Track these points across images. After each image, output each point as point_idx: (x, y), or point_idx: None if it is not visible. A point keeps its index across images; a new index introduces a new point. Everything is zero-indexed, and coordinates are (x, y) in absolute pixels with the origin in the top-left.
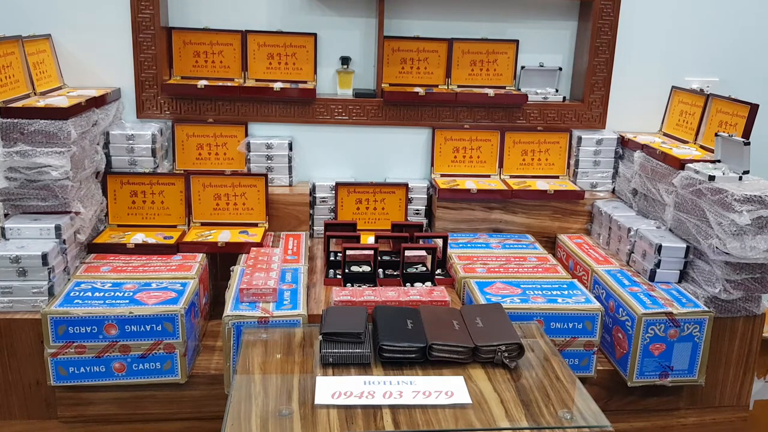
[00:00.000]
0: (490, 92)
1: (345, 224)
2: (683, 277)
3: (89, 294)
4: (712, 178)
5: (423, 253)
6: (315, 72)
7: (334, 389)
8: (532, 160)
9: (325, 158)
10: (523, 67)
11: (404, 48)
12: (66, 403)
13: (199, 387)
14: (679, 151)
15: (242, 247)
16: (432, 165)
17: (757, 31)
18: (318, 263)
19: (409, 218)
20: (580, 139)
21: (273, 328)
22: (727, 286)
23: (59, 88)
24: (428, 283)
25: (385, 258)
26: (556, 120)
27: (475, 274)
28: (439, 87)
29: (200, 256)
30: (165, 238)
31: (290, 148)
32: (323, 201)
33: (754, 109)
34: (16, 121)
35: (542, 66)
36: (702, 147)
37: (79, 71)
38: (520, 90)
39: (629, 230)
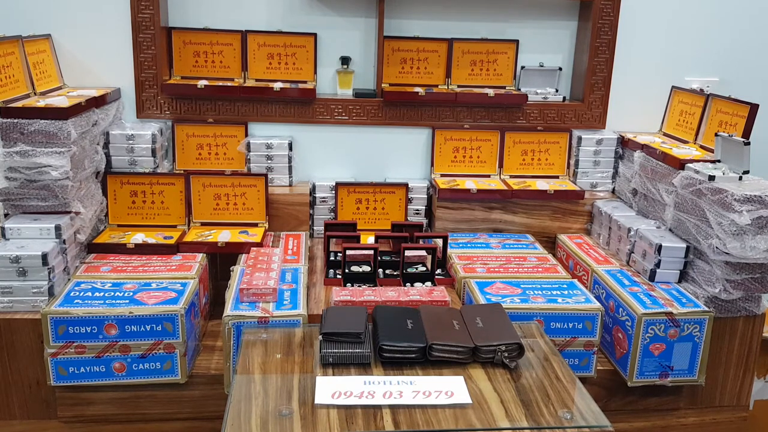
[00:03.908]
0: (490, 92)
1: (345, 224)
2: (683, 277)
3: (89, 294)
4: (712, 178)
5: (423, 253)
6: (315, 72)
7: (334, 389)
8: (532, 160)
9: (325, 158)
10: (523, 67)
11: (404, 48)
12: (66, 403)
13: (199, 387)
14: (679, 151)
15: (242, 247)
16: (432, 165)
17: (757, 31)
18: (318, 263)
19: (409, 218)
20: (580, 139)
21: (273, 328)
22: (727, 286)
23: (59, 88)
24: (428, 283)
25: (385, 258)
26: (556, 120)
27: (475, 274)
28: (439, 87)
29: (200, 256)
30: (165, 238)
31: (290, 148)
32: (323, 201)
33: (754, 109)
34: (16, 121)
35: (542, 66)
36: (702, 147)
37: (79, 71)
38: (520, 90)
39: (629, 230)
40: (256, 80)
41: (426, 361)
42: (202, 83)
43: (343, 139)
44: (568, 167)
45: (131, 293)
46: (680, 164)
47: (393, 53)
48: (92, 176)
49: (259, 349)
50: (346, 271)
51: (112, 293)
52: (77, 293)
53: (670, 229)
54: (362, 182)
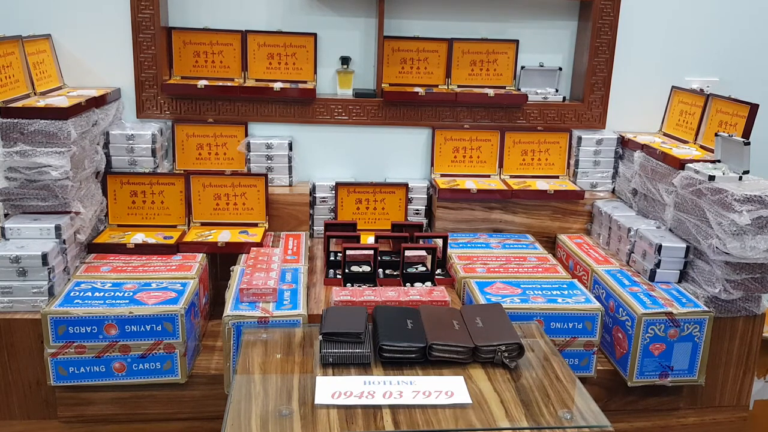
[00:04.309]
0: (490, 92)
1: (345, 224)
2: (683, 277)
3: (89, 294)
4: (712, 178)
5: (423, 253)
6: (315, 72)
7: (334, 389)
8: (532, 160)
9: (325, 158)
10: (523, 67)
11: (404, 48)
12: (66, 403)
13: (199, 387)
14: (679, 151)
15: (242, 247)
16: (432, 165)
17: (757, 31)
18: (318, 263)
19: (409, 218)
20: (580, 139)
21: (273, 328)
22: (727, 286)
23: (59, 88)
24: (428, 283)
25: (385, 258)
26: (556, 120)
27: (475, 274)
28: (439, 87)
29: (200, 256)
30: (165, 238)
31: (290, 148)
32: (323, 201)
33: (754, 109)
34: (16, 121)
35: (542, 66)
36: (702, 147)
37: (79, 71)
38: (520, 90)
39: (629, 230)
40: (256, 80)
41: (426, 361)
42: (202, 83)
43: (343, 139)
44: (568, 167)
45: (131, 293)
46: (680, 164)
47: (393, 53)
48: (92, 176)
49: (259, 349)
50: (346, 271)
51: (112, 293)
52: (77, 293)
53: (670, 229)
54: (362, 182)
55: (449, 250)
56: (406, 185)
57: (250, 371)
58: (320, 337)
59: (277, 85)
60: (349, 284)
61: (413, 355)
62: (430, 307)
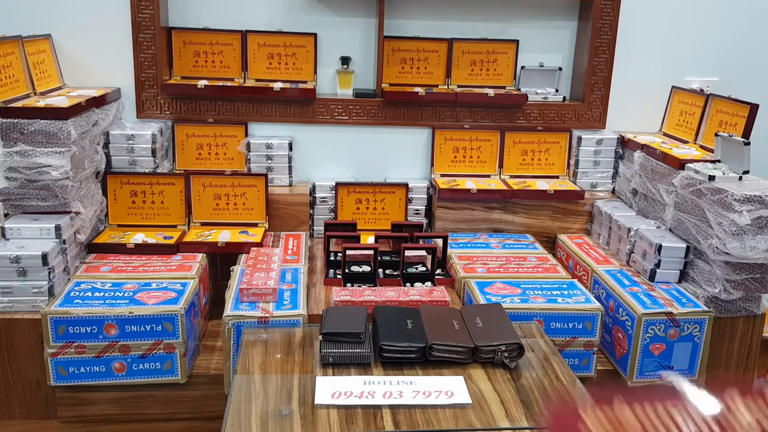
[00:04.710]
0: (490, 92)
1: (345, 224)
2: (683, 277)
3: (89, 294)
4: (712, 178)
5: (423, 253)
6: (315, 72)
7: (334, 389)
8: (532, 160)
9: (325, 158)
10: (523, 67)
11: (404, 48)
12: (66, 403)
13: (199, 387)
14: (679, 151)
15: (242, 247)
16: (432, 165)
17: (757, 31)
18: (318, 263)
19: (409, 218)
20: (580, 139)
21: (273, 328)
22: (727, 286)
23: (59, 88)
24: (428, 283)
25: (385, 258)
26: (556, 120)
27: (475, 274)
28: (439, 87)
29: (200, 256)
30: (165, 238)
31: (290, 148)
32: (323, 201)
33: (754, 109)
34: (16, 121)
35: (542, 66)
36: (702, 147)
37: (79, 71)
38: (520, 90)
39: (629, 230)
40: (256, 80)
41: (426, 361)
42: (202, 83)
43: (343, 139)
44: (568, 167)
45: (131, 293)
46: (680, 164)
47: (393, 53)
48: (92, 176)
49: (259, 349)
50: (346, 271)
51: (112, 293)
52: (77, 293)
53: (670, 229)
54: (362, 182)
55: (449, 250)
56: (406, 185)
57: (250, 371)
58: (320, 337)
59: (277, 85)
60: (349, 284)
61: (413, 355)
62: (430, 307)
